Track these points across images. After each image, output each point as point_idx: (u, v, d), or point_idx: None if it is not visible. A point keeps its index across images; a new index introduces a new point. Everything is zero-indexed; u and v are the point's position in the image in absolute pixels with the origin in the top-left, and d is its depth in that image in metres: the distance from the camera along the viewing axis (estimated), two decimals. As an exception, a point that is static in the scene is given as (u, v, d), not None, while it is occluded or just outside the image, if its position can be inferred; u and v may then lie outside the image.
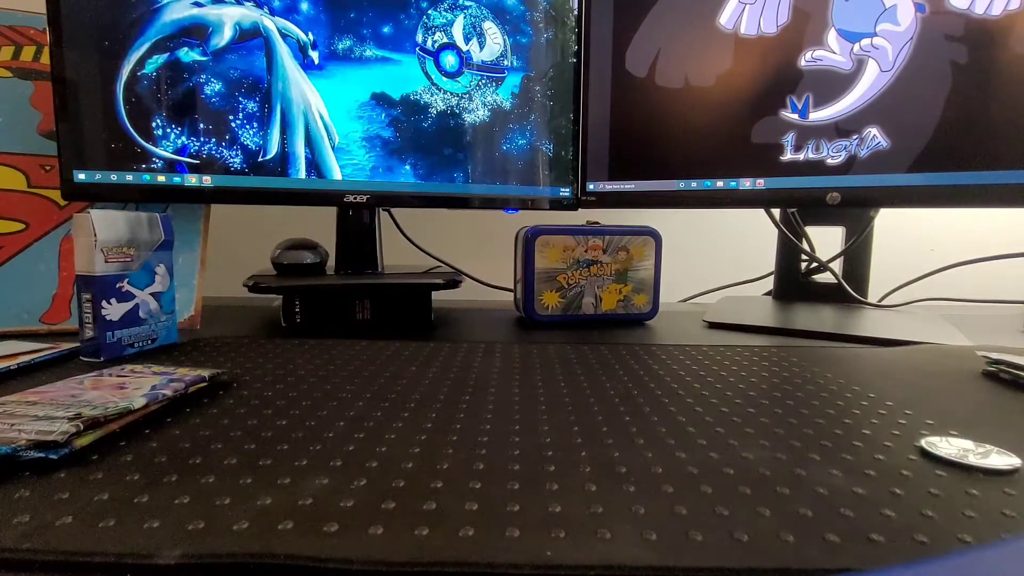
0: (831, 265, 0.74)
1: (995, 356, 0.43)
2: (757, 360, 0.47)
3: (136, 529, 0.21)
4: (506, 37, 0.70)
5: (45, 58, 0.60)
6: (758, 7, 0.64)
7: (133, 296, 0.46)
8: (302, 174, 0.64)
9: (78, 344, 0.46)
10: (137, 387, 0.34)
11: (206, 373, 0.38)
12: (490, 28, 0.69)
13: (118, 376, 0.37)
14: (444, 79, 0.68)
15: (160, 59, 0.59)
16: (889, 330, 0.58)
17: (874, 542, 0.20)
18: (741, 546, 0.20)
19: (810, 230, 0.75)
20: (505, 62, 0.70)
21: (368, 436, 0.30)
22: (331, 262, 0.72)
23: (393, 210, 0.82)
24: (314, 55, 0.63)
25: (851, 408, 0.35)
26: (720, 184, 0.68)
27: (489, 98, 0.70)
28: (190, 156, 0.61)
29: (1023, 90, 0.55)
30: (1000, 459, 0.27)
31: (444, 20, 0.67)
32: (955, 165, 0.58)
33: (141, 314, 0.47)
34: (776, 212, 0.76)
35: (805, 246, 0.75)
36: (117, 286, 0.45)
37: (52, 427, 0.27)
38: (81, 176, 0.58)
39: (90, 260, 0.43)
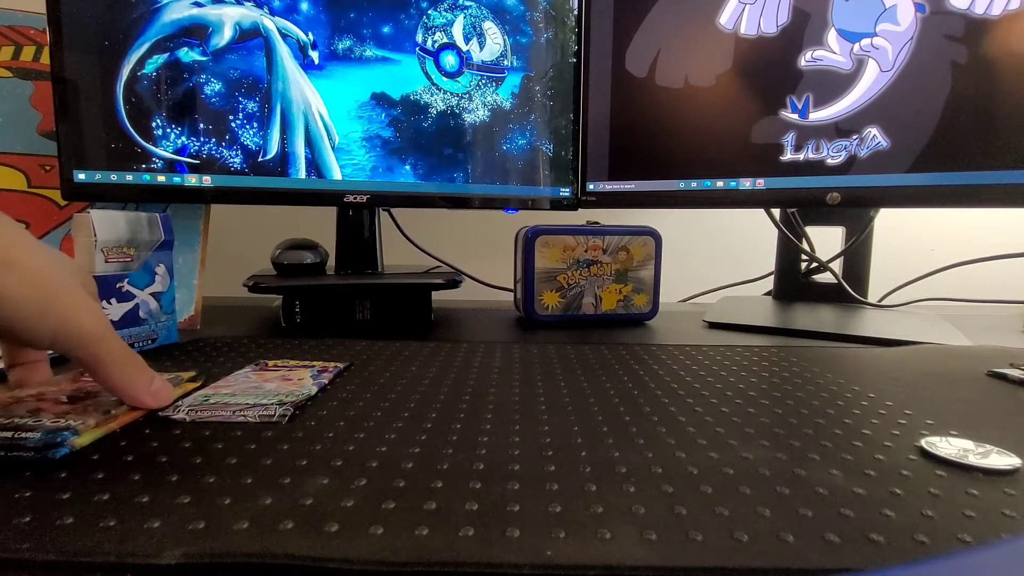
0: (831, 265, 0.74)
1: None
2: (757, 360, 0.47)
3: (137, 529, 0.21)
4: (506, 37, 0.70)
5: (45, 58, 0.60)
6: (758, 7, 0.64)
7: (133, 296, 0.46)
8: (302, 174, 0.64)
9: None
10: None
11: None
12: (490, 28, 0.69)
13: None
14: (444, 79, 0.68)
15: (160, 59, 0.59)
16: (889, 330, 0.58)
17: (874, 542, 0.20)
18: (741, 546, 0.20)
19: (810, 230, 0.75)
20: (505, 62, 0.70)
21: (368, 436, 0.30)
22: (331, 262, 0.72)
23: (393, 210, 0.82)
24: (314, 55, 0.63)
25: (851, 408, 0.35)
26: (720, 184, 0.68)
27: (489, 98, 0.70)
28: (190, 156, 0.61)
29: (1023, 90, 0.55)
30: (1000, 459, 0.27)
31: (444, 20, 0.67)
32: (955, 165, 0.58)
33: (141, 314, 0.47)
34: (776, 212, 0.76)
35: (805, 246, 0.75)
36: (117, 286, 0.45)
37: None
38: (81, 176, 0.58)
39: (90, 260, 0.43)
